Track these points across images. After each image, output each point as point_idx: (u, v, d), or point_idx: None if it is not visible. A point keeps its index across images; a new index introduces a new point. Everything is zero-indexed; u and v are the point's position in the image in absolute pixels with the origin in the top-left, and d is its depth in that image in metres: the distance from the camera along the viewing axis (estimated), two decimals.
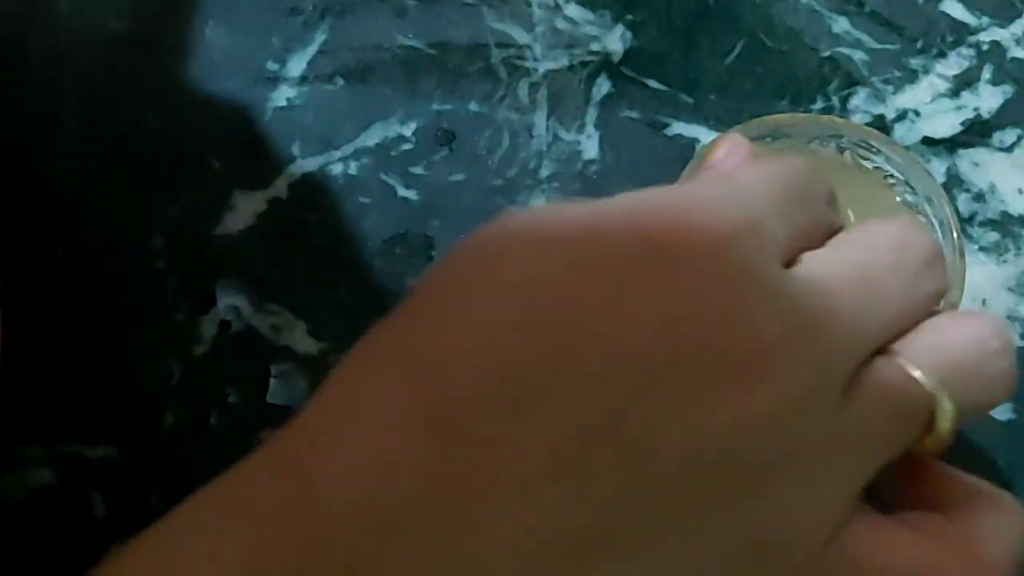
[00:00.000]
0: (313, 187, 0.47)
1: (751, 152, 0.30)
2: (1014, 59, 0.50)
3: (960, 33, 0.50)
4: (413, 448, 0.21)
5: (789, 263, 0.25)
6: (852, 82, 0.49)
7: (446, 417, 0.21)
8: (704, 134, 0.48)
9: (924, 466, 0.27)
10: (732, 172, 0.28)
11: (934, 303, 0.27)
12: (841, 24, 0.50)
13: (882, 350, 0.25)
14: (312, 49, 0.50)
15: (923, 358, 0.25)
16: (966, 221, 0.47)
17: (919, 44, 0.50)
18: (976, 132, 0.48)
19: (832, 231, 0.27)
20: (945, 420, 0.25)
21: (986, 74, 0.50)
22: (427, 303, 0.24)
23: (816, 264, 0.25)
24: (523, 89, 0.49)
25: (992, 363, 0.26)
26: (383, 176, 0.47)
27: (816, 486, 0.23)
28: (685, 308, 0.22)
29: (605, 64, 0.49)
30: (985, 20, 0.51)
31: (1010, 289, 0.46)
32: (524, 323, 0.22)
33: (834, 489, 0.23)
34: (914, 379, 0.25)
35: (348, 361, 0.24)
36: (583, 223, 0.24)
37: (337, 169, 0.47)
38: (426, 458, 0.21)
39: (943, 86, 0.49)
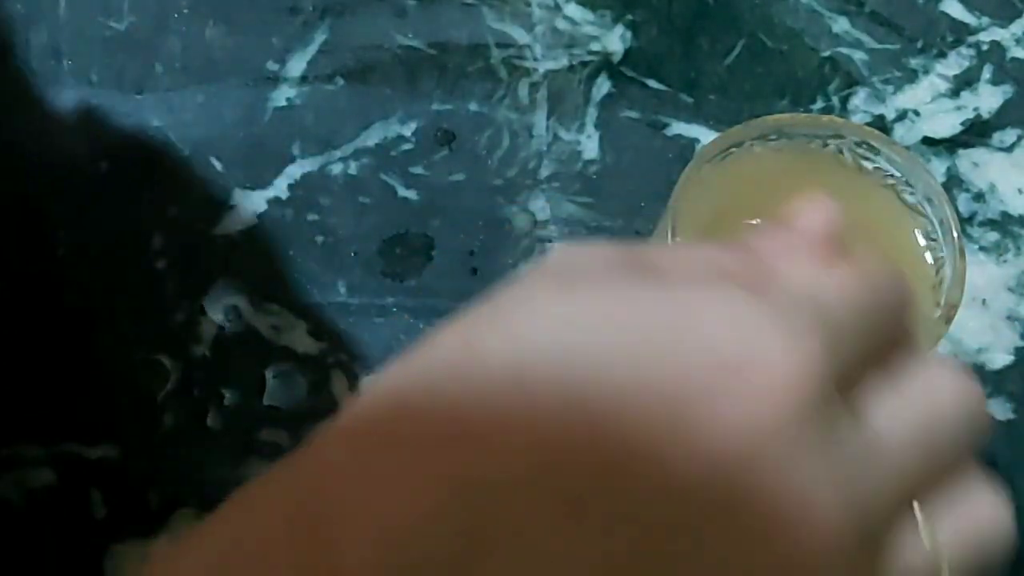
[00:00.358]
0: (313, 187, 0.47)
1: (836, 224, 0.26)
2: (1014, 59, 0.50)
3: (960, 33, 0.50)
4: (441, 530, 0.19)
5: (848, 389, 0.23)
6: (852, 82, 0.49)
7: (479, 500, 0.19)
8: (704, 134, 0.48)
9: None
10: (814, 280, 0.23)
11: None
12: (841, 24, 0.50)
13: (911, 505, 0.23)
14: (312, 49, 0.50)
15: (951, 544, 0.23)
16: (966, 221, 0.47)
17: (919, 44, 0.50)
18: (976, 132, 0.48)
19: (896, 346, 0.25)
20: None
21: (986, 74, 0.50)
22: (476, 366, 0.21)
23: (887, 413, 0.23)
24: (523, 89, 0.49)
25: (1004, 550, 0.24)
26: (383, 176, 0.47)
27: None
28: (738, 461, 0.20)
29: (605, 64, 0.49)
30: (985, 20, 0.51)
31: (1010, 289, 0.46)
32: (573, 418, 0.20)
33: None
34: (934, 565, 0.23)
35: (352, 422, 0.21)
36: (646, 316, 0.21)
37: (337, 169, 0.47)
38: (454, 541, 0.19)
39: (943, 86, 0.49)
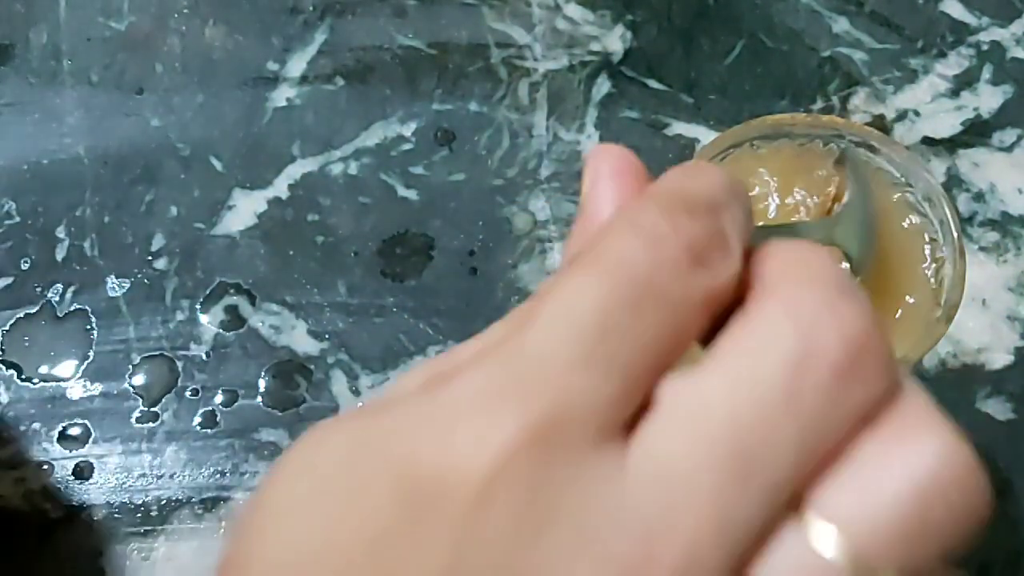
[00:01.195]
0: (313, 187, 0.47)
1: (622, 170, 0.22)
2: (1014, 59, 0.50)
3: (960, 33, 0.50)
4: None
5: (642, 410, 0.18)
6: (852, 82, 0.49)
7: None
8: (704, 134, 0.48)
9: None
10: (524, 319, 0.19)
11: (864, 414, 0.18)
12: (841, 24, 0.50)
13: (793, 501, 0.18)
14: (312, 49, 0.50)
15: (846, 516, 0.17)
16: (966, 221, 0.47)
17: (919, 44, 0.50)
18: (976, 132, 0.48)
19: (724, 290, 0.19)
20: None
21: (986, 74, 0.50)
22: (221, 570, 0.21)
23: (663, 439, 0.18)
24: (523, 89, 0.49)
25: (946, 502, 0.17)
26: (383, 176, 0.47)
27: None
28: None
29: (605, 64, 0.49)
30: (985, 20, 0.51)
31: (1010, 289, 0.46)
32: None
33: None
34: (828, 565, 0.17)
35: None
36: (346, 461, 0.18)
37: (337, 169, 0.47)
38: None
39: (943, 86, 0.49)
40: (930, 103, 0.49)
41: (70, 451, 0.42)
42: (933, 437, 0.18)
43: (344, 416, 0.19)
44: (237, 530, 0.20)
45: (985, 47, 0.50)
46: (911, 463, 0.18)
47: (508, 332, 0.19)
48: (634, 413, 0.18)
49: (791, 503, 0.18)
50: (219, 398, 0.43)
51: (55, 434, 0.43)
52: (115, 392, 0.43)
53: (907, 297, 0.35)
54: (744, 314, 0.18)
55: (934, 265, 0.35)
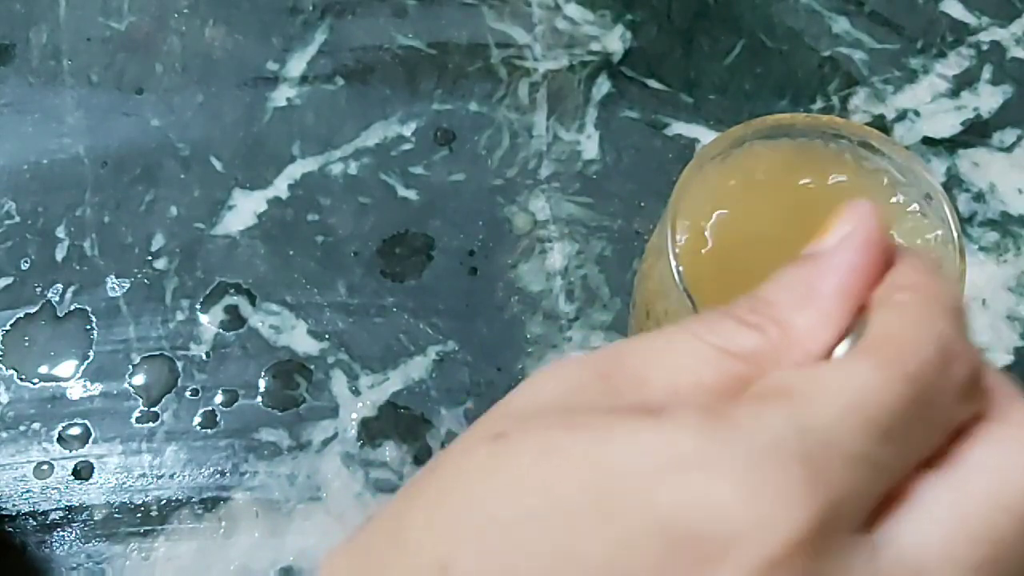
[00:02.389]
0: (313, 187, 0.47)
1: (879, 246, 0.20)
2: (1014, 59, 0.50)
3: (960, 33, 0.50)
4: None
5: (885, 508, 0.18)
6: (852, 82, 0.49)
7: None
8: (704, 134, 0.48)
9: None
10: (816, 387, 0.18)
11: None
12: (841, 24, 0.50)
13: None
14: (312, 49, 0.50)
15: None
16: (966, 221, 0.47)
17: (919, 44, 0.50)
18: (976, 132, 0.48)
19: (962, 426, 0.19)
20: None
21: (986, 74, 0.50)
22: (401, 559, 0.19)
23: (916, 530, 0.18)
24: (523, 89, 0.49)
25: None
26: (383, 176, 0.47)
27: None
28: None
29: (605, 64, 0.49)
30: (985, 20, 0.51)
31: (1010, 289, 0.46)
32: None
33: None
34: None
35: None
36: (582, 479, 0.18)
37: (337, 169, 0.47)
38: None
39: (943, 86, 0.49)
40: (930, 103, 0.49)
41: (70, 451, 0.42)
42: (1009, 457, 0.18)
43: (554, 416, 0.19)
44: (417, 517, 0.19)
45: (985, 47, 0.50)
46: (997, 487, 0.18)
47: (781, 379, 0.18)
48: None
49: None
50: (219, 398, 0.43)
51: (55, 434, 0.43)
52: (115, 392, 0.43)
53: None
54: (988, 428, 0.19)
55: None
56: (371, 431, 0.43)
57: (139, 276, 0.45)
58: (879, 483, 0.18)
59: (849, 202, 0.21)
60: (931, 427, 0.18)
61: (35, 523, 0.41)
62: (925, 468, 0.18)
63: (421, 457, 0.42)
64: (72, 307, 0.45)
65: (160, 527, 0.41)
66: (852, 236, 0.20)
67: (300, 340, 0.44)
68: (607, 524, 0.17)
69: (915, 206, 0.35)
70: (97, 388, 0.43)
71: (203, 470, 0.42)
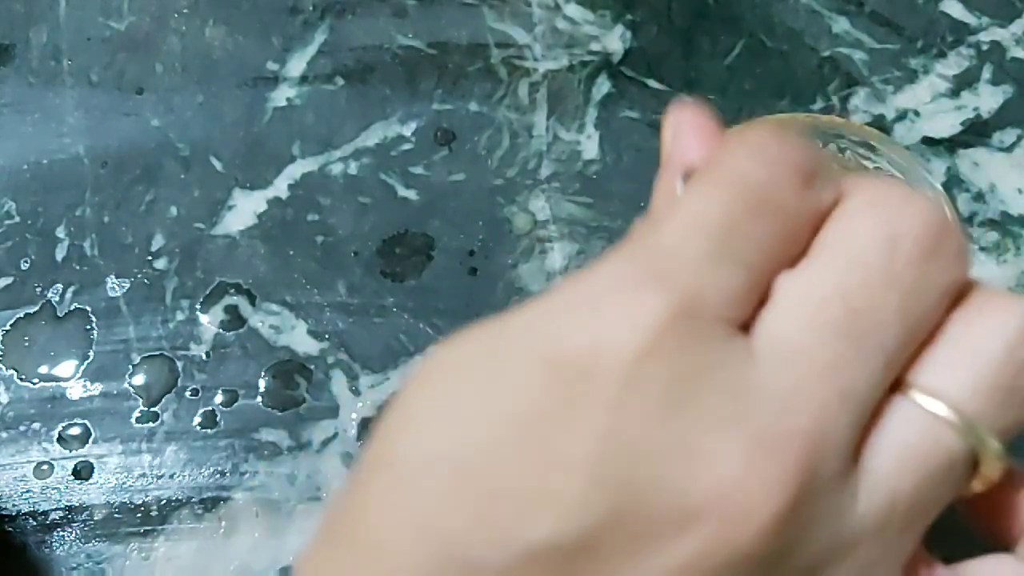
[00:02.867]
0: (313, 187, 0.47)
1: (710, 132, 0.24)
2: (1014, 59, 0.50)
3: (960, 33, 0.50)
4: None
5: (758, 308, 0.20)
6: (852, 82, 0.49)
7: None
8: None
9: (983, 500, 0.22)
10: (659, 218, 0.21)
11: (949, 297, 0.21)
12: (841, 24, 0.50)
13: (895, 384, 0.20)
14: (312, 49, 0.50)
15: (948, 384, 0.20)
16: (966, 221, 0.47)
17: (919, 44, 0.50)
18: (976, 132, 0.48)
19: (825, 214, 0.21)
20: (992, 460, 0.20)
21: (986, 74, 0.50)
22: (362, 473, 0.22)
23: (779, 318, 0.20)
24: (523, 89, 0.49)
25: None
26: (383, 176, 0.47)
27: None
28: (613, 452, 0.18)
29: (605, 64, 0.49)
30: (985, 20, 0.51)
31: (1010, 289, 0.46)
32: (450, 491, 0.19)
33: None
34: (939, 420, 0.19)
35: (312, 540, 0.22)
36: (487, 359, 0.20)
37: (337, 169, 0.47)
38: None
39: (943, 86, 0.49)
40: (930, 103, 0.49)
41: (70, 451, 0.42)
42: (1014, 308, 0.20)
43: (477, 326, 0.21)
44: (378, 434, 0.21)
45: (985, 47, 0.50)
46: (998, 331, 0.20)
47: (635, 239, 0.21)
48: (753, 313, 0.20)
49: (896, 386, 0.20)
50: (219, 398, 0.43)
51: (55, 434, 0.43)
52: (115, 392, 0.43)
53: None
54: (833, 215, 0.21)
55: None
56: (371, 431, 0.43)
57: (139, 276, 0.45)
58: (738, 278, 0.20)
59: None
60: (773, 223, 0.20)
61: (35, 523, 0.41)
62: (789, 268, 0.21)
63: None
64: (72, 307, 0.45)
65: (160, 527, 0.41)
66: (676, 139, 0.25)
67: (300, 340, 0.44)
68: (503, 381, 0.19)
69: None
70: (97, 388, 0.43)
71: (203, 470, 0.42)
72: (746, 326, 0.20)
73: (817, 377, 0.19)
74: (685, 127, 0.24)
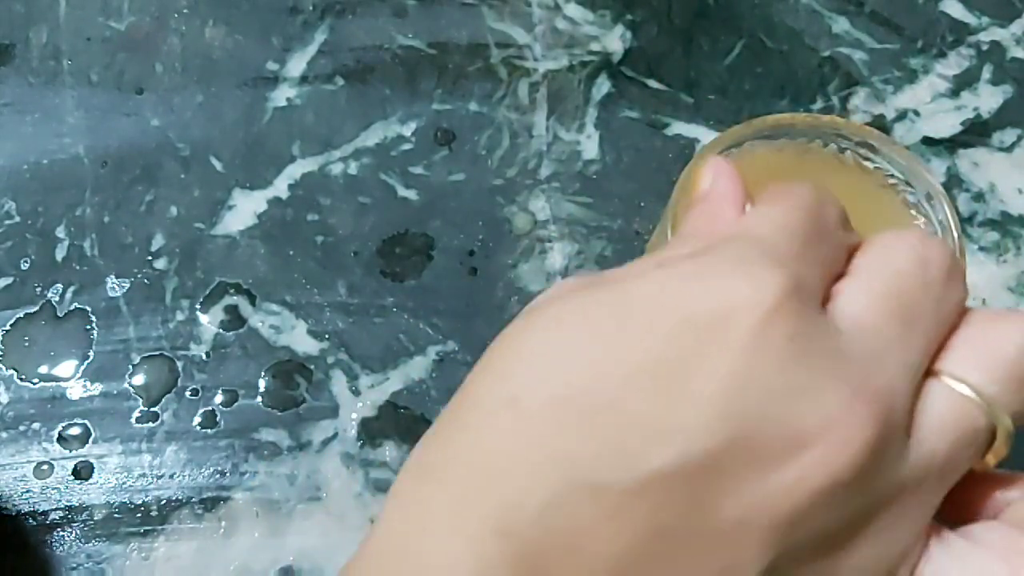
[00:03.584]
0: (313, 187, 0.47)
1: (736, 177, 0.29)
2: (1014, 59, 0.50)
3: (960, 33, 0.50)
4: (493, 567, 0.22)
5: (824, 303, 0.25)
6: (852, 82, 0.49)
7: (519, 530, 0.22)
8: (704, 134, 0.48)
9: (979, 476, 0.26)
10: (748, 223, 0.26)
11: (960, 308, 0.26)
12: (841, 24, 0.50)
13: (928, 371, 0.25)
14: (312, 49, 0.50)
15: (970, 373, 0.25)
16: (966, 221, 0.47)
17: (919, 44, 0.50)
18: (976, 132, 0.48)
19: (852, 250, 0.27)
20: (1004, 435, 0.25)
21: (986, 74, 0.50)
22: (473, 410, 0.24)
23: (851, 303, 0.25)
24: (523, 89, 0.49)
25: None
26: (383, 176, 0.47)
27: (892, 529, 0.24)
28: (739, 390, 0.22)
29: (605, 64, 0.49)
30: (985, 20, 0.51)
31: (1010, 289, 0.46)
32: (578, 423, 0.22)
33: (909, 527, 0.24)
34: (968, 399, 0.24)
35: (405, 478, 0.24)
36: (614, 311, 0.23)
37: (337, 169, 0.47)
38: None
39: (943, 86, 0.49)
40: (930, 103, 0.49)
41: (70, 451, 0.42)
42: (1018, 316, 0.26)
43: (580, 282, 0.25)
44: (484, 375, 0.24)
45: (985, 47, 0.50)
46: (1012, 334, 0.25)
47: (708, 237, 0.26)
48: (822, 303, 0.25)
49: (928, 373, 0.25)
50: (219, 398, 0.43)
51: (55, 434, 0.43)
52: (115, 392, 0.43)
53: None
54: (868, 246, 0.26)
55: None
56: (371, 431, 0.43)
57: (139, 276, 0.45)
58: (815, 271, 0.25)
59: (709, 159, 0.30)
60: (829, 242, 0.26)
61: (35, 523, 0.41)
62: (838, 281, 0.26)
63: None
64: (72, 307, 0.45)
65: (160, 527, 0.41)
66: (721, 186, 0.29)
67: (300, 340, 0.44)
68: (635, 330, 0.23)
69: (915, 206, 0.35)
70: (97, 388, 0.43)
71: (203, 470, 0.42)
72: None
73: (886, 349, 0.24)
74: (723, 172, 0.29)
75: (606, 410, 0.22)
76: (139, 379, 0.44)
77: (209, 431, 0.43)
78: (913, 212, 0.36)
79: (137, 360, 0.44)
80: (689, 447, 0.21)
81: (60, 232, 0.46)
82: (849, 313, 0.24)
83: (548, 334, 0.23)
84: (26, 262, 0.46)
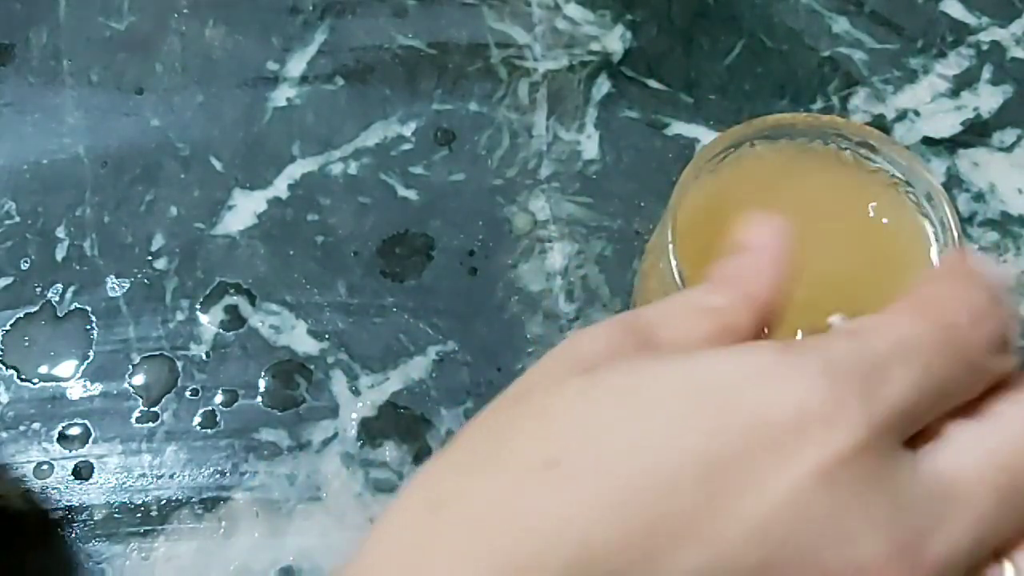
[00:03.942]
0: (313, 187, 0.47)
1: (784, 234, 0.26)
2: (1014, 59, 0.50)
3: (960, 33, 0.50)
4: None
5: (926, 436, 0.23)
6: (852, 82, 0.49)
7: None
8: (704, 134, 0.48)
9: None
10: (869, 326, 0.23)
11: None
12: (841, 24, 0.50)
13: (995, 552, 0.23)
14: (312, 49, 0.50)
15: None
16: (966, 221, 0.47)
17: (919, 44, 0.50)
18: (976, 132, 0.48)
19: (997, 379, 0.23)
20: None
21: (986, 74, 0.50)
22: (508, 457, 0.22)
23: (954, 462, 0.22)
24: (523, 89, 0.49)
25: None
26: (383, 176, 0.47)
27: None
28: (787, 522, 0.21)
29: (605, 64, 0.49)
30: (985, 20, 0.51)
31: (1010, 289, 0.46)
32: (614, 502, 0.21)
33: None
34: None
35: (415, 500, 0.23)
36: (686, 391, 0.22)
37: (337, 169, 0.47)
38: None
39: (943, 86, 0.49)
40: (930, 103, 0.49)
41: (70, 451, 0.42)
42: None
43: (632, 340, 0.23)
44: (541, 426, 0.22)
45: (985, 47, 0.50)
46: None
47: (737, 293, 0.24)
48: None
49: (997, 553, 0.22)
50: (219, 398, 0.43)
51: (55, 434, 0.43)
52: (115, 392, 0.43)
53: None
54: (1016, 387, 0.23)
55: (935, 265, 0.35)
56: (371, 431, 0.43)
57: (139, 276, 0.45)
58: (921, 408, 0.22)
59: (755, 217, 0.27)
60: (963, 370, 0.23)
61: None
62: (960, 415, 0.23)
63: (421, 457, 0.42)
64: (72, 307, 0.45)
65: (160, 527, 0.41)
66: (767, 239, 0.26)
67: (300, 340, 0.44)
68: (700, 421, 0.21)
69: (915, 206, 0.35)
70: (97, 388, 0.43)
71: (203, 470, 0.42)
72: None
73: (962, 520, 0.21)
74: (766, 227, 0.27)
75: (647, 494, 0.21)
76: (139, 379, 0.44)
77: (209, 431, 0.43)
78: (913, 212, 0.36)
79: (137, 360, 0.44)
80: (719, 562, 0.20)
81: (60, 232, 0.46)
82: (945, 470, 0.22)
83: (599, 404, 0.22)
84: (26, 262, 0.46)
